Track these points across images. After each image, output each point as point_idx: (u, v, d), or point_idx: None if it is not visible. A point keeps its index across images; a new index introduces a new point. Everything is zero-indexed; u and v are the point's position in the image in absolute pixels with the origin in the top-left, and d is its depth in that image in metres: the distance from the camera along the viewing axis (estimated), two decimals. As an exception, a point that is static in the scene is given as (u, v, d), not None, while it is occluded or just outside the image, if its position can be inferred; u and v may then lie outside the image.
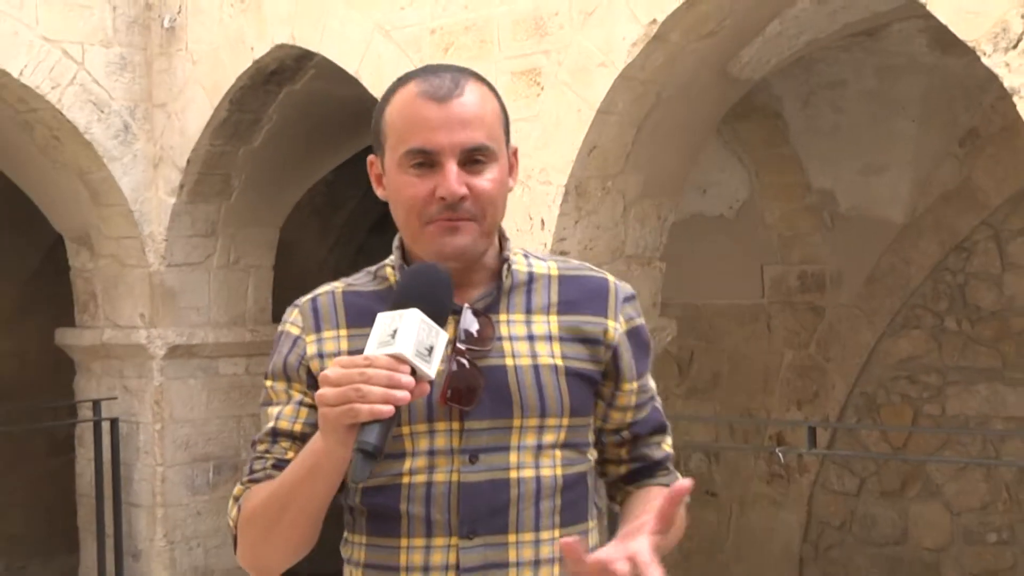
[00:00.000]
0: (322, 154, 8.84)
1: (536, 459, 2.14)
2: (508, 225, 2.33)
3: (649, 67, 6.06)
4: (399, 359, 1.91)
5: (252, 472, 2.17)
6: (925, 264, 8.78)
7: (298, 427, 2.16)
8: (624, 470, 2.33)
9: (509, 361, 2.14)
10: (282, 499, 2.06)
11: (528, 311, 2.20)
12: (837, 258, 9.01)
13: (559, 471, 2.16)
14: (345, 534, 2.23)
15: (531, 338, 2.17)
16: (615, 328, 2.24)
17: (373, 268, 2.28)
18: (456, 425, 2.10)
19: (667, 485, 2.25)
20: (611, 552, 1.90)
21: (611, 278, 2.29)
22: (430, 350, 1.94)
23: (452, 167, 2.10)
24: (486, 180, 2.13)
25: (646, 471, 2.32)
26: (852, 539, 9.12)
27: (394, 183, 2.16)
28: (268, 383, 2.23)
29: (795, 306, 9.21)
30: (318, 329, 2.19)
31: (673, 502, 1.91)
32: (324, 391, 1.91)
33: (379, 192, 2.24)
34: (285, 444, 2.16)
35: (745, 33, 6.33)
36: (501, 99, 2.22)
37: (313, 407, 2.07)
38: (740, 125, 8.73)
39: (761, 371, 9.26)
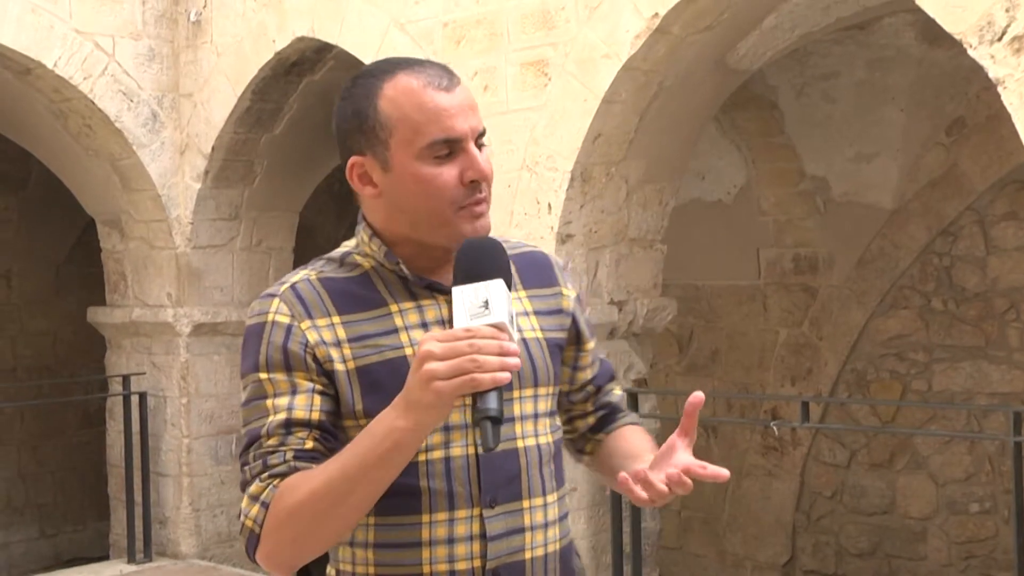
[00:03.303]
0: (340, 142, 8.86)
1: (535, 428, 2.15)
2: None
3: (651, 58, 6.06)
4: (500, 328, 1.86)
5: (268, 467, 1.99)
6: (913, 247, 8.77)
7: (315, 415, 2.02)
8: (592, 420, 2.38)
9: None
10: (344, 485, 1.92)
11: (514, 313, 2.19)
12: (829, 241, 9.00)
13: (551, 437, 2.18)
14: None
15: (514, 314, 2.15)
16: (568, 295, 2.27)
17: (336, 255, 2.16)
18: (468, 400, 1.98)
19: (633, 423, 2.37)
20: (661, 468, 2.02)
21: (544, 251, 2.31)
22: (513, 319, 1.92)
23: (474, 150, 2.06)
24: (489, 162, 2.11)
25: (610, 417, 2.37)
26: (842, 509, 9.13)
27: (416, 176, 2.05)
28: (262, 376, 2.04)
29: (789, 287, 9.21)
30: (310, 316, 2.06)
31: (692, 414, 2.01)
32: (435, 366, 1.81)
33: (368, 191, 2.10)
34: (302, 434, 2.00)
35: (742, 26, 6.32)
36: None
37: (327, 394, 2.02)
38: (737, 114, 8.72)
39: (757, 349, 9.27)
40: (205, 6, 8.01)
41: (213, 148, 8.05)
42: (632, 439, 2.31)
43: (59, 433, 11.07)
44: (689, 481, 1.97)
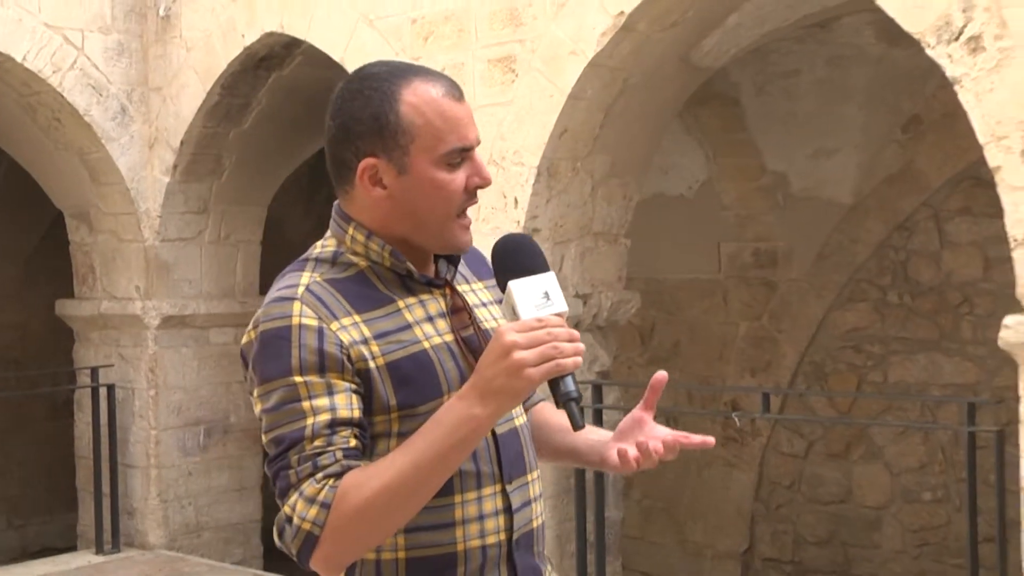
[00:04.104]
0: (308, 136, 8.80)
1: (520, 409, 2.24)
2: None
3: (617, 55, 6.07)
4: (561, 316, 1.99)
5: (320, 468, 1.98)
6: (870, 242, 8.82)
7: (356, 414, 2.03)
8: None
9: (486, 325, 2.21)
10: (419, 475, 1.96)
11: (467, 282, 2.28)
12: (789, 236, 9.04)
13: (526, 416, 2.29)
14: None
15: (483, 304, 2.26)
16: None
17: (326, 256, 2.17)
18: None
19: (543, 399, 2.45)
20: (632, 439, 2.21)
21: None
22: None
23: (479, 158, 2.15)
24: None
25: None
26: (800, 498, 9.18)
27: (430, 180, 2.10)
28: (296, 379, 2.02)
29: (749, 281, 9.24)
30: (335, 317, 2.07)
31: (657, 390, 2.19)
32: (523, 355, 1.90)
33: (376, 192, 2.12)
34: (346, 433, 2.01)
35: (706, 24, 6.33)
36: None
37: (359, 393, 2.05)
38: (700, 111, 8.72)
39: (718, 341, 9.29)
40: (174, 1, 7.97)
41: (182, 142, 8.02)
42: (550, 412, 2.43)
43: (27, 425, 10.99)
44: (677, 447, 2.18)
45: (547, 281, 2.01)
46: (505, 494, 2.15)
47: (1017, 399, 4.92)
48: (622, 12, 5.90)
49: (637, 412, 2.22)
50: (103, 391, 8.31)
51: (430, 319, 2.14)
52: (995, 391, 7.77)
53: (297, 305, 2.06)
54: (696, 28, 6.29)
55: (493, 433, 2.13)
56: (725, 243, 9.31)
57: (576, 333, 1.96)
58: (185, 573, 7.59)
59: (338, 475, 1.98)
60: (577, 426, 1.99)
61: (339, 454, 1.99)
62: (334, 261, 2.15)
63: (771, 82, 8.62)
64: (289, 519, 1.99)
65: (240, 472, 8.71)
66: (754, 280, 9.22)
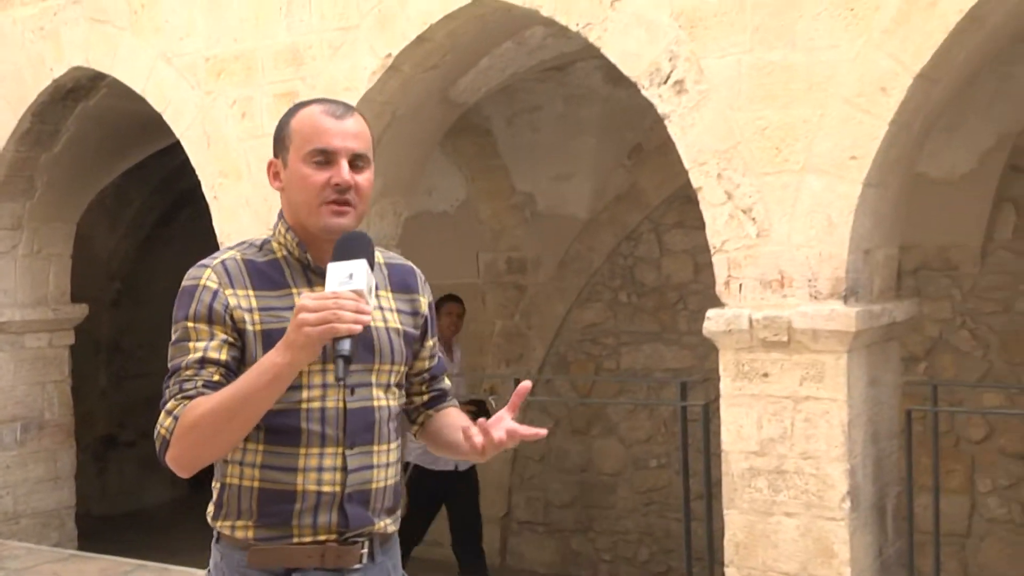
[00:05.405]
0: (113, 159, 8.59)
1: (386, 393, 2.44)
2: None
3: (386, 92, 6.11)
4: (359, 294, 2.15)
5: (183, 391, 2.25)
6: (603, 251, 8.99)
7: (223, 356, 2.28)
8: (426, 398, 2.67)
9: (372, 323, 2.34)
10: (234, 407, 2.18)
11: (375, 286, 2.42)
12: (536, 246, 9.14)
13: (395, 402, 2.48)
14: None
15: (381, 308, 2.44)
16: (425, 302, 2.58)
17: (257, 242, 2.43)
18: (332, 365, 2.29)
19: (455, 406, 2.69)
20: (494, 429, 2.35)
21: (414, 266, 2.61)
22: (372, 290, 2.21)
23: (344, 164, 2.35)
24: (363, 179, 2.38)
25: (440, 398, 2.68)
26: (549, 469, 9.28)
27: (298, 173, 2.36)
28: (190, 324, 2.31)
29: (503, 285, 9.32)
30: (232, 286, 2.33)
31: (522, 395, 2.33)
32: (305, 315, 2.11)
33: (274, 185, 2.43)
34: (211, 369, 2.26)
35: (462, 66, 6.40)
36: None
37: (232, 344, 2.29)
38: (458, 140, 8.76)
39: (478, 337, 9.30)
40: (-16, 37, 7.67)
41: (-5, 165, 7.72)
42: (454, 416, 2.63)
43: None
44: (518, 437, 2.33)
45: (354, 265, 2.18)
46: (344, 456, 2.35)
47: (719, 378, 5.14)
48: (389, 55, 5.94)
49: (501, 412, 2.38)
50: (-78, 393, 7.91)
51: None
52: (707, 373, 8.05)
53: (208, 271, 2.35)
54: (453, 70, 6.35)
55: (344, 406, 2.33)
56: (483, 253, 9.37)
57: (367, 308, 2.15)
58: (4, 556, 7.30)
59: (192, 398, 2.24)
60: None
61: (200, 383, 2.25)
62: (261, 247, 2.42)
63: (518, 116, 8.71)
64: (157, 426, 2.27)
65: (55, 464, 8.40)
66: (507, 284, 9.30)
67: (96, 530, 8.83)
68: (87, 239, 9.49)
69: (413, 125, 6.50)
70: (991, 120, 7.24)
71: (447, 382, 2.71)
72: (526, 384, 2.35)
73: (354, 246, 2.24)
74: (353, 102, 5.99)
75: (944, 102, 5.16)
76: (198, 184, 6.73)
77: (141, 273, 11.19)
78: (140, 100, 6.94)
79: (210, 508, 2.44)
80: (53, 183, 8.14)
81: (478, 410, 6.70)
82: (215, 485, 2.42)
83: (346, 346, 2.15)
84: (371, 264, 2.24)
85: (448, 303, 7.72)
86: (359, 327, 2.14)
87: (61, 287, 8.49)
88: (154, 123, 7.01)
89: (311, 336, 2.12)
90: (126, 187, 10.40)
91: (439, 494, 7.31)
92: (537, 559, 7.92)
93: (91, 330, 9.83)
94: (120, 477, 11.19)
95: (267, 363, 2.18)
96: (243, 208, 6.43)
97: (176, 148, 7.04)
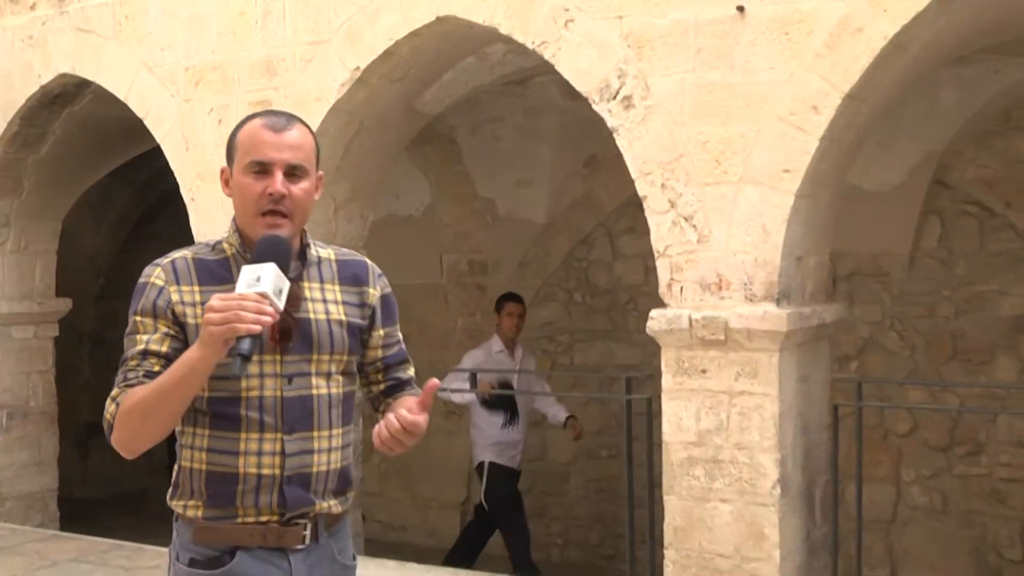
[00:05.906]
0: (98, 161, 8.60)
1: (327, 382, 2.45)
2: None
3: (354, 102, 6.14)
4: (263, 296, 2.18)
5: (127, 380, 2.32)
6: (559, 254, 9.06)
7: (164, 348, 2.34)
8: (383, 387, 2.65)
9: (311, 315, 2.42)
10: (160, 396, 2.25)
11: (321, 281, 2.49)
12: (496, 249, 9.17)
13: (339, 390, 2.48)
14: (184, 429, 2.43)
15: (324, 301, 2.47)
16: (374, 294, 2.57)
17: (211, 243, 2.48)
18: (278, 357, 2.38)
19: (414, 395, 2.61)
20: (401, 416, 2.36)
21: (368, 261, 2.63)
22: (280, 291, 2.23)
23: (279, 175, 2.38)
24: (299, 188, 2.41)
25: (398, 387, 2.66)
26: (507, 458, 9.36)
27: (239, 183, 2.41)
28: (137, 318, 2.38)
29: (466, 285, 9.33)
30: (178, 283, 2.38)
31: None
32: (211, 315, 2.15)
33: (225, 191, 2.47)
34: (152, 360, 2.33)
35: (427, 79, 6.44)
36: (316, 138, 2.50)
37: (175, 337, 2.35)
38: (424, 147, 8.76)
39: (440, 334, 9.33)
40: (-25, 44, 7.66)
41: (-16, 166, 7.71)
42: (406, 405, 2.51)
43: None
44: (408, 423, 2.33)
45: (263, 269, 2.21)
46: (283, 441, 2.38)
47: (661, 374, 5.23)
48: (358, 67, 5.98)
49: (411, 404, 2.39)
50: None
51: None
52: (653, 370, 8.10)
53: (157, 270, 2.41)
54: (418, 82, 6.38)
55: (282, 395, 2.38)
56: (446, 255, 9.38)
57: (269, 310, 2.18)
58: (-12, 536, 7.32)
59: (134, 386, 2.31)
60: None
61: (141, 373, 2.32)
62: (214, 247, 2.47)
63: (481, 126, 8.73)
64: (104, 411, 2.33)
65: (39, 449, 8.39)
66: (469, 284, 9.31)
67: (77, 512, 8.81)
68: (72, 236, 9.48)
69: (379, 134, 6.53)
70: (919, 139, 7.39)
71: (409, 372, 2.68)
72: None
73: (269, 250, 2.28)
74: (323, 112, 6.07)
75: (872, 120, 5.29)
76: (178, 186, 6.77)
77: (124, 269, 11.15)
78: (123, 106, 6.96)
79: (170, 489, 2.50)
80: (40, 183, 8.14)
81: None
82: (175, 468, 2.47)
83: (245, 345, 2.16)
84: (284, 267, 2.26)
85: (508, 303, 7.57)
86: (259, 327, 2.16)
87: (47, 282, 8.48)
88: (136, 128, 7.04)
89: (214, 334, 2.16)
90: (110, 187, 10.39)
91: (514, 486, 7.44)
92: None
93: (75, 323, 9.83)
94: (102, 463, 11.16)
95: (185, 358, 2.23)
96: (218, 210, 6.47)
97: (157, 151, 7.06)
